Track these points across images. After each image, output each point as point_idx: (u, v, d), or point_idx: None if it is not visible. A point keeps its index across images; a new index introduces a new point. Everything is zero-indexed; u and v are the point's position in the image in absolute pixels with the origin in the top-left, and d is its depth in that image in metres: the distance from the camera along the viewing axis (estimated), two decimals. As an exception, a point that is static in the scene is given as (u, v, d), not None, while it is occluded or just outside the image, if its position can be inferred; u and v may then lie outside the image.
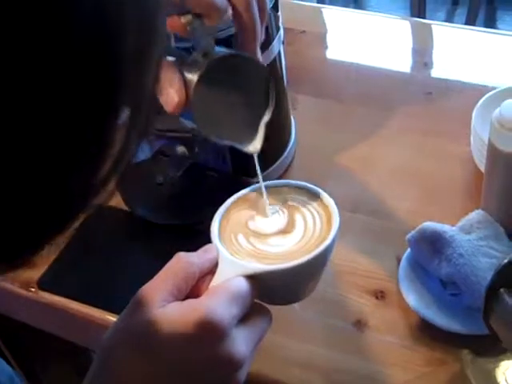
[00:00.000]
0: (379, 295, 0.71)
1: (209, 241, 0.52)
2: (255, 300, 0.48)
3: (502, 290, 0.51)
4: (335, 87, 1.01)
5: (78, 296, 0.76)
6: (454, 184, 0.82)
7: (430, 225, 0.71)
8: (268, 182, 0.55)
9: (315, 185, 0.55)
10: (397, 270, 0.71)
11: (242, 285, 0.46)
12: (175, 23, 0.48)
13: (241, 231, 0.52)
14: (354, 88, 0.99)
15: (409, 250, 0.72)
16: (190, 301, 0.45)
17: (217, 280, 0.47)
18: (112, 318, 0.73)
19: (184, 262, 0.47)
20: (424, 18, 2.32)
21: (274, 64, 0.77)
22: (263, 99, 0.53)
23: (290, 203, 0.54)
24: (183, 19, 0.48)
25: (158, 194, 0.82)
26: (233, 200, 0.55)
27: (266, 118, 0.53)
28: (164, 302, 0.44)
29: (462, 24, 2.40)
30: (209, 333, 0.42)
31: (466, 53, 1.03)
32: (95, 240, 0.82)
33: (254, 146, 0.53)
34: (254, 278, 0.47)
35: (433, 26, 1.14)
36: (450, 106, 0.92)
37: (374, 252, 0.75)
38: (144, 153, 0.81)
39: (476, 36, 1.09)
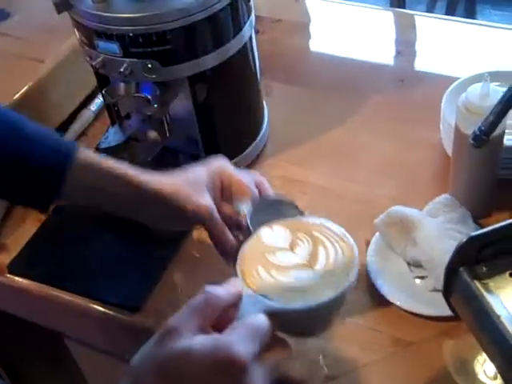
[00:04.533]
0: (347, 278, 0.71)
1: None
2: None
3: (461, 268, 0.52)
4: (309, 75, 1.02)
5: (49, 280, 0.77)
6: (424, 169, 0.83)
7: (397, 209, 0.72)
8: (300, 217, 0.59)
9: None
10: (365, 254, 0.72)
11: (263, 322, 0.48)
12: None
13: (263, 264, 0.53)
14: (328, 76, 1.00)
15: (377, 233, 0.73)
16: (215, 336, 0.47)
17: (240, 315, 0.49)
18: (84, 303, 0.74)
19: (211, 295, 0.49)
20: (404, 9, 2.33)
21: (245, 49, 0.77)
22: None
23: (314, 234, 0.55)
24: None
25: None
26: (256, 234, 0.56)
27: None
28: (191, 334, 0.46)
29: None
30: (230, 368, 0.44)
31: (439, 42, 1.04)
32: (68, 224, 0.82)
33: None
34: (274, 315, 0.49)
35: (410, 16, 1.14)
36: (422, 93, 0.93)
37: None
38: (116, 139, 0.81)
39: (451, 26, 1.10)
